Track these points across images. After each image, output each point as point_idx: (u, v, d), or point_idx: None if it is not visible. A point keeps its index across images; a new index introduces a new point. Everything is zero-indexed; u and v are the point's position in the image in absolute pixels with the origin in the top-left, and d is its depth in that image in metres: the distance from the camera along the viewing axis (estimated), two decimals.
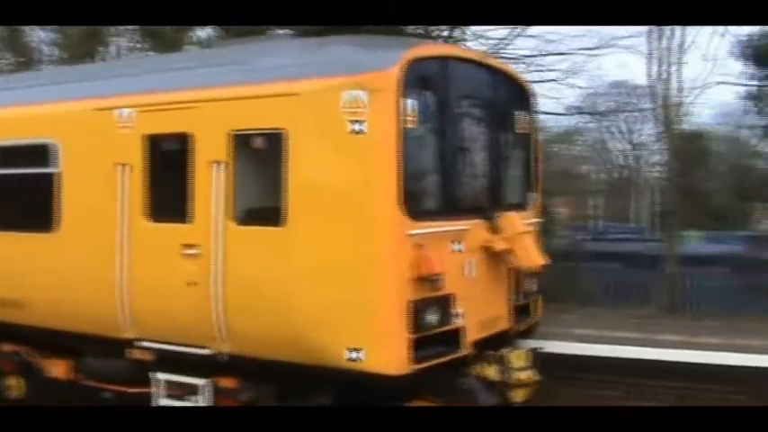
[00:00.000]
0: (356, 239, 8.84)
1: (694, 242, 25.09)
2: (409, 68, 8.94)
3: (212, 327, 9.61)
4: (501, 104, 10.94)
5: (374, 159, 8.82)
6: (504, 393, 9.98)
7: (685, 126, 23.59)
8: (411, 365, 8.81)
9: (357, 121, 8.76)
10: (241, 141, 9.52)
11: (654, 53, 21.61)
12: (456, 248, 9.54)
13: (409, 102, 8.87)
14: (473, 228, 9.78)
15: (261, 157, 9.51)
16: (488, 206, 10.20)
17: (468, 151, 10.20)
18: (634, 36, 21.25)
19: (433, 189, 9.73)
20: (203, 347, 9.76)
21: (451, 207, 9.72)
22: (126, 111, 10.38)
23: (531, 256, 10.06)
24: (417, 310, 8.87)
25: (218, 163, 9.57)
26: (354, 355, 8.78)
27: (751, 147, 24.73)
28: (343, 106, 8.81)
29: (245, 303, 9.39)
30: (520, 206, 10.88)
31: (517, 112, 11.16)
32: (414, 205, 8.94)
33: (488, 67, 10.80)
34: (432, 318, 9.06)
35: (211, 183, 9.62)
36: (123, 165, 10.35)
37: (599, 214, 52.66)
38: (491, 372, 9.96)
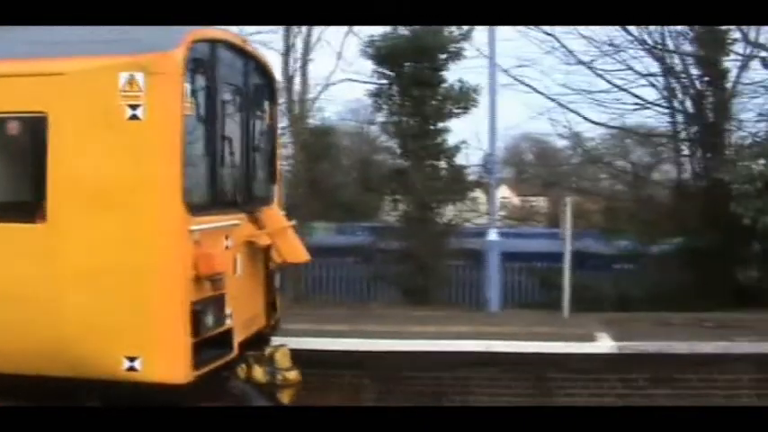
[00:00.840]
0: (133, 236, 7.92)
1: (324, 233, 25.85)
2: (190, 50, 8.13)
3: None
4: (255, 94, 10.37)
5: (154, 148, 7.94)
6: (273, 395, 9.53)
7: (314, 121, 24.28)
8: (193, 372, 8.06)
9: (134, 105, 7.82)
10: None
11: (287, 50, 22.12)
12: (228, 245, 8.89)
13: (187, 86, 8.12)
14: (241, 223, 9.25)
15: (13, 144, 8.28)
16: (244, 200, 9.68)
17: (230, 142, 9.56)
18: (270, 33, 21.50)
19: (205, 181, 8.97)
20: None
21: (219, 201, 9.07)
22: None
23: (297, 251, 9.78)
24: (197, 313, 8.10)
25: None
26: (132, 364, 7.88)
27: (376, 142, 25.89)
28: (120, 89, 7.83)
29: None
30: (266, 200, 10.45)
31: (265, 103, 10.66)
32: (190, 199, 8.16)
33: (247, 54, 10.14)
34: (209, 320, 8.35)
35: None
36: None
37: None
38: (258, 373, 9.49)
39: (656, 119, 22.66)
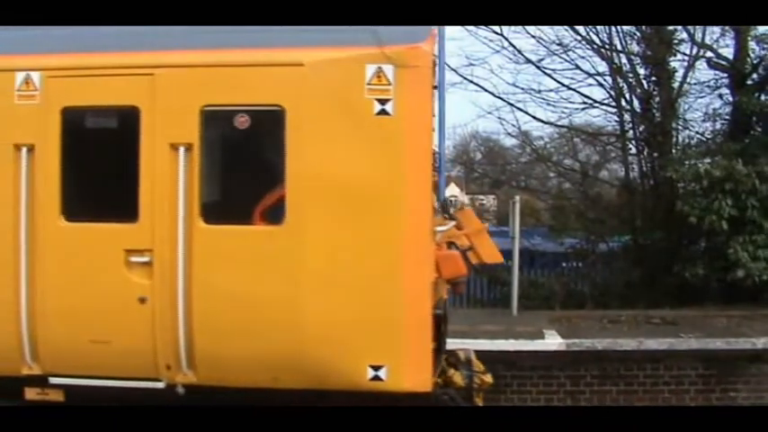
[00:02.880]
0: (382, 238, 7.38)
1: None
2: (433, 45, 7.63)
3: (167, 353, 7.54)
4: None
5: (406, 146, 7.38)
6: (471, 399, 9.01)
7: None
8: (434, 379, 7.61)
9: (383, 100, 7.27)
10: (215, 119, 7.57)
11: None
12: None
13: None
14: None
15: (245, 141, 7.72)
16: None
17: None
18: None
19: None
20: (150, 380, 7.61)
21: None
22: (35, 74, 7.70)
23: (494, 252, 9.27)
24: (438, 317, 7.67)
25: (182, 146, 7.46)
26: (377, 373, 7.36)
27: None
28: (368, 82, 7.28)
29: (223, 321, 7.45)
30: None
31: None
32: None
33: None
34: (443, 324, 7.93)
35: (171, 171, 7.48)
36: (29, 147, 7.73)
37: None
38: (457, 377, 8.96)
39: (603, 118, 22.92)
